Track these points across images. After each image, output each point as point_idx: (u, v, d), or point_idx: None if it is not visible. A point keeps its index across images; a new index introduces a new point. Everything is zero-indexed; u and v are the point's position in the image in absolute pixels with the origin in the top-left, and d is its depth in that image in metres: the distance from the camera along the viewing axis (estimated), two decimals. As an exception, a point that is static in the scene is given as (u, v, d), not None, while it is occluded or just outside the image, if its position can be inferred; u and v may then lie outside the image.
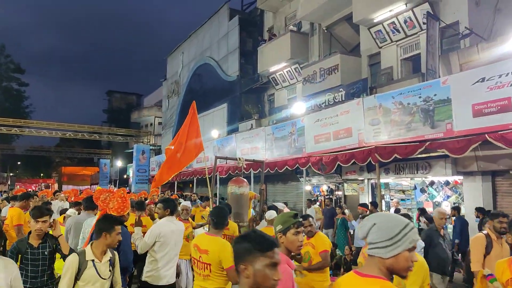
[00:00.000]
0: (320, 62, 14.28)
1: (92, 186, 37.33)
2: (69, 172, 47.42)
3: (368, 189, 12.04)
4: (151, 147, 26.63)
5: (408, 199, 11.65)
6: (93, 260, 3.12)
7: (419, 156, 8.86)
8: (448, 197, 10.40)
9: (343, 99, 12.07)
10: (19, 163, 53.80)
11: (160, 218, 4.39)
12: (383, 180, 11.73)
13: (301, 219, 2.92)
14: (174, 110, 26.38)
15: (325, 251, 4.22)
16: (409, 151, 8.45)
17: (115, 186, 30.91)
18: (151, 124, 37.14)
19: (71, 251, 3.53)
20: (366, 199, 11.88)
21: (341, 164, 10.16)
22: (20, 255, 3.45)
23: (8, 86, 38.44)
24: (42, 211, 3.62)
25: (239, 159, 6.39)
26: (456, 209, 9.06)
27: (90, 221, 4.27)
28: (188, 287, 5.14)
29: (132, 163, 29.76)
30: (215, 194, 16.38)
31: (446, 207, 10.00)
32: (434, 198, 10.82)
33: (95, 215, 4.63)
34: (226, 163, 13.37)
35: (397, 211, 9.97)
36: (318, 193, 13.76)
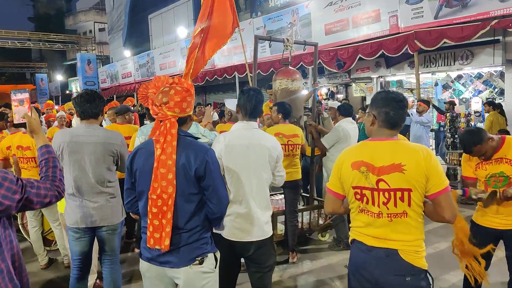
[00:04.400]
0: None
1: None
2: (-1, 91, 41.96)
3: (377, 89, 10.55)
4: (98, 57, 22.85)
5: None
6: None
7: (461, 43, 7.28)
8: (480, 92, 9.13)
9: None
10: None
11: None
12: (399, 76, 10.24)
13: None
14: (122, 9, 22.23)
15: None
16: (467, 35, 6.75)
17: (57, 103, 27.19)
18: (90, 31, 32.25)
19: None
20: (373, 100, 10.53)
21: (363, 57, 8.34)
22: None
23: None
24: None
25: (287, 40, 4.29)
26: (491, 104, 7.69)
27: None
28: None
29: (73, 77, 25.90)
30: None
31: (477, 104, 8.78)
32: (460, 94, 9.54)
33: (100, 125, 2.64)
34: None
35: None
36: (315, 97, 12.06)
